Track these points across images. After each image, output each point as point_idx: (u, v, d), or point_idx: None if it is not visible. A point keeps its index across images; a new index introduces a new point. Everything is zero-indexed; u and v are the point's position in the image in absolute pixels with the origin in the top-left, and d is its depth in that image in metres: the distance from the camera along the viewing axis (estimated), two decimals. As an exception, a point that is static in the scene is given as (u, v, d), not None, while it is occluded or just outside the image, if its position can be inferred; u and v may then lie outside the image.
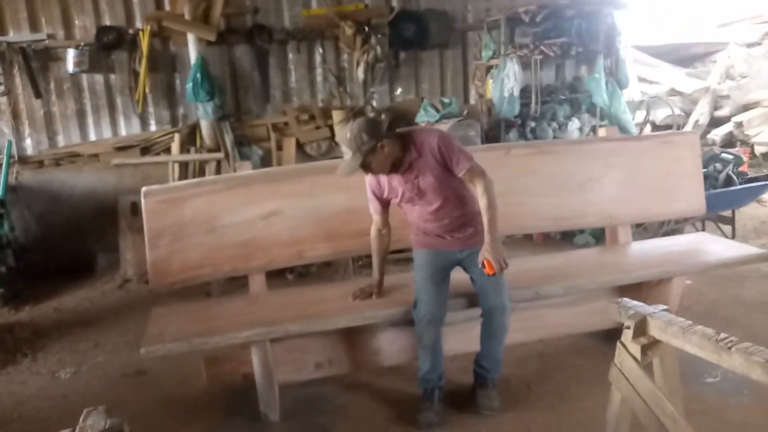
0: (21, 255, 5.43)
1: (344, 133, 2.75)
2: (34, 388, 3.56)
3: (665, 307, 1.92)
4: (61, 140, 5.83)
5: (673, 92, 8.92)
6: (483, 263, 2.71)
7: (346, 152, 2.70)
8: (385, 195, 2.90)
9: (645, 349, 1.83)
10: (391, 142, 2.72)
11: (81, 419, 1.68)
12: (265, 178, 3.28)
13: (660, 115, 8.12)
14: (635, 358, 1.84)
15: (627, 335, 1.86)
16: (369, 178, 2.90)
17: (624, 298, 2.00)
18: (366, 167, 2.71)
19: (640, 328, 1.84)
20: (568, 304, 3.29)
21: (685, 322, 1.80)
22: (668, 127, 7.93)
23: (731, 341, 1.63)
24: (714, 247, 3.43)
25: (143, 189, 3.15)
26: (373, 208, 2.99)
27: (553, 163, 3.51)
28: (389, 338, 3.13)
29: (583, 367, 3.23)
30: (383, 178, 2.84)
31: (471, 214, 2.88)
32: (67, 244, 5.53)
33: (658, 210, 3.64)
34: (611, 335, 3.40)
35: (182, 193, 3.17)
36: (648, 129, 7.60)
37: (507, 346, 3.25)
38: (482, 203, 2.76)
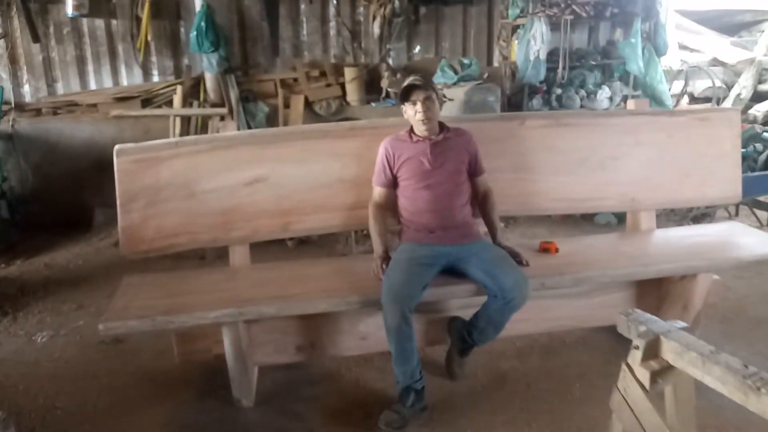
0: (17, 206, 5.27)
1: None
2: (7, 350, 3.39)
3: (684, 324, 1.60)
4: (60, 88, 5.59)
5: (716, 62, 8.31)
6: (541, 249, 2.91)
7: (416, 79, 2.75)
8: (396, 167, 2.79)
9: (655, 375, 1.52)
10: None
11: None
12: (251, 140, 2.98)
13: (699, 86, 7.57)
14: (642, 386, 1.53)
15: (635, 357, 1.55)
16: (385, 144, 2.83)
17: (636, 310, 1.68)
18: (431, 98, 2.72)
19: (652, 350, 1.53)
20: (579, 295, 2.99)
21: (706, 347, 1.48)
22: (707, 99, 7.40)
23: (762, 380, 1.32)
24: (747, 240, 3.05)
25: (116, 147, 2.88)
26: (378, 179, 2.86)
27: (573, 137, 3.15)
28: (378, 322, 2.84)
29: (590, 366, 2.94)
30: (401, 146, 2.79)
31: (468, 211, 2.83)
32: (65, 196, 5.35)
33: (688, 195, 3.26)
34: (624, 332, 3.13)
35: (159, 153, 2.89)
36: (685, 101, 7.09)
37: (508, 337, 3.00)
38: (493, 205, 2.89)
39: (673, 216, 4.55)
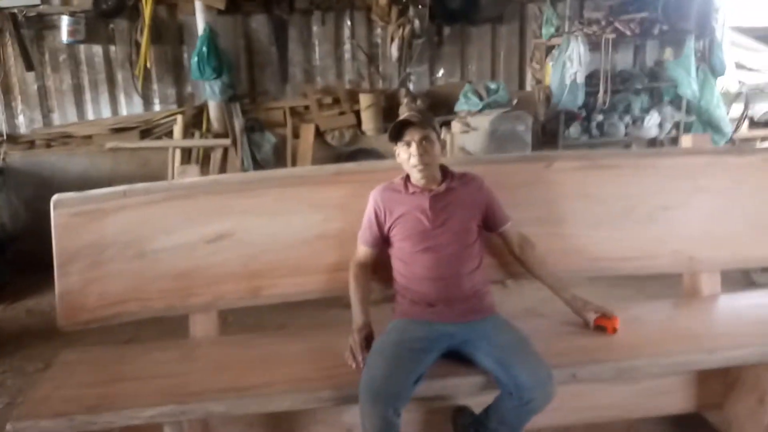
0: (8, 244, 4.91)
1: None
2: (-44, 425, 2.95)
3: None
4: (56, 118, 5.27)
5: (778, 82, 7.51)
6: (596, 325, 2.22)
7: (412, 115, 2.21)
8: (387, 224, 2.24)
9: None
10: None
11: None
12: (215, 188, 2.46)
13: (760, 109, 6.79)
14: None
15: None
16: (375, 195, 2.27)
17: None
18: (429, 138, 2.17)
19: None
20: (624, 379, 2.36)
21: None
22: (769, 124, 6.63)
23: None
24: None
25: (53, 198, 2.45)
26: (364, 237, 2.31)
27: (615, 182, 2.54)
28: (367, 412, 2.29)
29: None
30: (394, 199, 2.26)
31: (480, 278, 2.24)
32: (58, 234, 4.97)
33: (762, 252, 2.61)
34: (683, 422, 2.48)
35: (103, 204, 2.42)
36: (745, 126, 6.34)
37: (532, 429, 2.36)
38: (539, 260, 2.35)
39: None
